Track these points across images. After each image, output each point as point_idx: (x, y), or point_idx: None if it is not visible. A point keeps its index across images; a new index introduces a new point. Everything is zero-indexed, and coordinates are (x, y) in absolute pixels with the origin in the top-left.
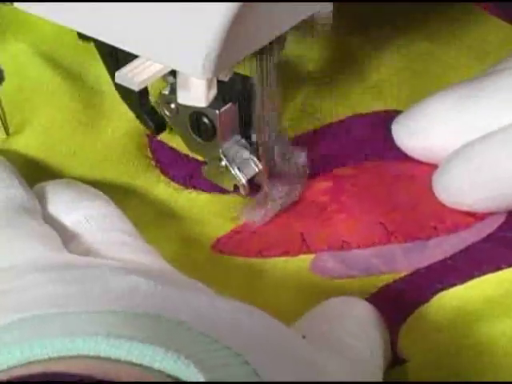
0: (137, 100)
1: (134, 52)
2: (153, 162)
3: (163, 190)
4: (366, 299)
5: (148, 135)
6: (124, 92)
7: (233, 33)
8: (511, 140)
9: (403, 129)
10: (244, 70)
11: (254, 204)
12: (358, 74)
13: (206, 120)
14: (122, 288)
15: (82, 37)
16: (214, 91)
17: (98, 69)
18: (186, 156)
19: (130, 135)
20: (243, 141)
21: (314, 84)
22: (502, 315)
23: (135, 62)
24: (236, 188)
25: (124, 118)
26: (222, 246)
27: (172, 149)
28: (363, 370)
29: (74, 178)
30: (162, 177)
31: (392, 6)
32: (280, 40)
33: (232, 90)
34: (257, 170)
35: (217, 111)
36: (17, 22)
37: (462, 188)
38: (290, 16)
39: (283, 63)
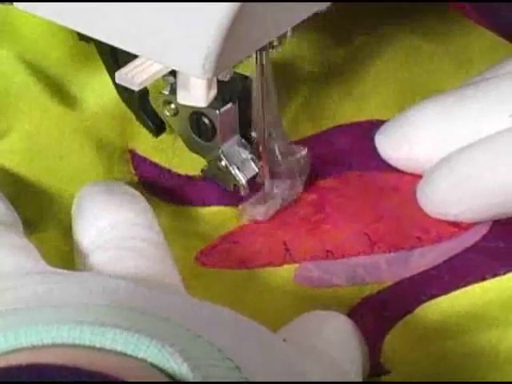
0: (137, 101)
1: (134, 52)
2: (136, 178)
3: None
4: (350, 309)
5: (130, 150)
6: (124, 93)
7: (233, 33)
8: (496, 149)
9: (387, 139)
10: (244, 70)
11: (256, 201)
12: (340, 84)
13: (205, 120)
14: (104, 287)
15: (82, 37)
16: (214, 91)
17: (83, 78)
18: (169, 171)
19: (113, 149)
20: (243, 141)
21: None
22: (486, 326)
23: (135, 62)
24: (236, 188)
25: (106, 133)
26: (204, 259)
27: (154, 164)
28: (343, 379)
29: (60, 184)
30: (145, 192)
31: (376, 15)
32: (280, 40)
33: (232, 90)
34: (257, 169)
35: (217, 111)
36: (2, 29)
37: (447, 198)
38: (290, 16)
39: (283, 63)
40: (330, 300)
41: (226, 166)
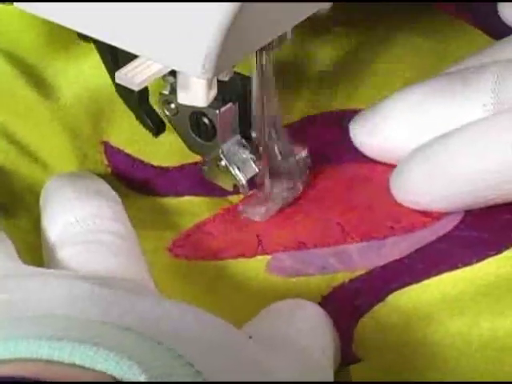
0: (136, 100)
1: (134, 52)
2: (109, 169)
3: (120, 196)
4: (323, 297)
5: (104, 142)
6: (123, 92)
7: (233, 33)
8: (468, 139)
9: (361, 128)
10: (244, 70)
11: (256, 201)
12: (312, 73)
13: (205, 120)
14: (63, 295)
15: (82, 37)
16: (214, 91)
17: (57, 67)
18: (142, 162)
19: (86, 140)
20: (243, 141)
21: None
22: (457, 314)
23: (135, 62)
24: (236, 188)
25: (79, 124)
26: (177, 249)
27: (127, 155)
28: (314, 368)
29: (33, 174)
30: (118, 183)
31: (373, 15)
32: (280, 40)
33: (232, 90)
34: (257, 169)
35: (217, 111)
36: None
37: (419, 188)
38: (290, 16)
39: (283, 63)
40: (302, 289)
41: (226, 166)
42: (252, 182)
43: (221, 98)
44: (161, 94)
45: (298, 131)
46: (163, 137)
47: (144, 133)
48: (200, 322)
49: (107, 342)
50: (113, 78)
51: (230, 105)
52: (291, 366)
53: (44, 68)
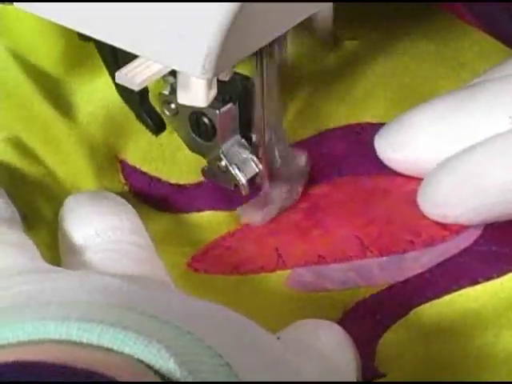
0: (137, 100)
1: (134, 52)
2: (126, 187)
3: (138, 214)
4: (344, 313)
5: (120, 160)
6: (124, 92)
7: (233, 33)
8: (495, 150)
9: (387, 142)
10: (244, 70)
11: (254, 205)
12: (329, 89)
13: (205, 120)
14: (95, 284)
15: (82, 37)
16: (214, 91)
17: (75, 84)
18: (159, 180)
19: (103, 159)
20: (243, 141)
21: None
22: (478, 330)
23: (135, 62)
24: (236, 188)
25: (96, 143)
26: (196, 264)
27: (144, 173)
28: (339, 375)
29: (49, 192)
30: (135, 201)
31: (365, 19)
32: (280, 40)
33: (232, 90)
34: (257, 170)
35: (217, 111)
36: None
37: (448, 200)
38: (290, 16)
39: (283, 63)
40: (323, 304)
41: (226, 166)
42: (252, 182)
43: (221, 98)
44: (161, 93)
45: (315, 145)
46: (180, 155)
47: (160, 151)
48: (228, 318)
49: (136, 326)
50: (113, 77)
51: (230, 105)
52: (317, 370)
53: (61, 84)
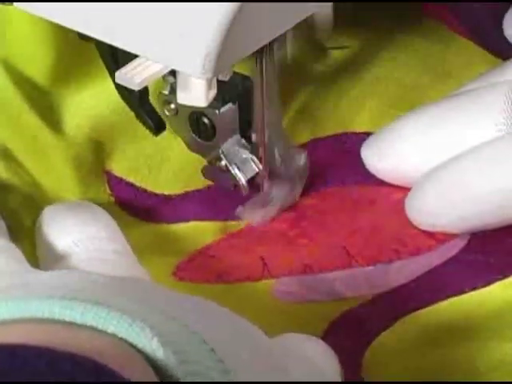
0: (137, 100)
1: (134, 52)
2: (112, 198)
3: (122, 224)
4: (330, 323)
5: (106, 171)
6: (124, 92)
7: (233, 33)
8: (482, 159)
9: (373, 152)
10: (244, 70)
11: (254, 205)
12: (317, 97)
13: (205, 120)
14: (81, 277)
15: (83, 37)
16: (213, 91)
17: (62, 96)
18: (145, 190)
19: (89, 170)
20: (243, 141)
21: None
22: (464, 340)
23: (135, 62)
24: (236, 188)
25: (82, 154)
26: (181, 273)
27: (130, 184)
28: (325, 379)
29: (33, 199)
30: (121, 212)
31: (352, 28)
32: (280, 40)
33: (232, 90)
34: (257, 170)
35: (217, 111)
36: None
37: (435, 209)
38: (289, 16)
39: (283, 63)
40: (309, 315)
41: (226, 166)
42: (252, 182)
43: (221, 98)
44: (161, 93)
45: None
46: (165, 165)
47: (146, 162)
48: (214, 309)
49: (120, 306)
50: (113, 77)
51: (229, 105)
52: (305, 371)
53: (48, 95)
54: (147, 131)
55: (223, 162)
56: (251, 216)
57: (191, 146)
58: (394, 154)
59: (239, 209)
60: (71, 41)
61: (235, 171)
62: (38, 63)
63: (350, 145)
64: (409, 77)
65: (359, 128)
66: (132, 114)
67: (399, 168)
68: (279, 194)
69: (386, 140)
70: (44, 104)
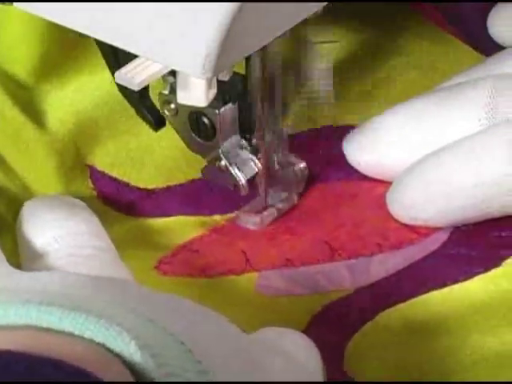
0: (137, 96)
1: (134, 52)
2: (94, 193)
3: (105, 219)
4: (312, 317)
5: (89, 165)
6: (124, 88)
7: (233, 33)
8: (462, 154)
9: (355, 146)
10: (244, 70)
11: (251, 210)
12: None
13: (205, 120)
14: (59, 279)
15: (83, 36)
16: (213, 91)
17: (44, 91)
18: (127, 185)
19: (71, 164)
20: (243, 141)
21: None
22: (445, 333)
23: (135, 62)
24: (236, 188)
25: (65, 148)
26: (164, 267)
27: (112, 178)
28: (306, 374)
29: (15, 195)
30: (104, 206)
31: (341, 24)
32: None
33: (232, 90)
34: (256, 170)
35: (217, 111)
36: None
37: (417, 203)
38: (289, 16)
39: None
40: (291, 308)
41: (226, 166)
42: (252, 183)
43: (221, 98)
44: (161, 93)
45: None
46: (148, 159)
47: (129, 156)
48: (190, 308)
49: (98, 310)
50: (113, 77)
51: (229, 105)
52: (285, 367)
53: (31, 90)
54: (129, 126)
55: (223, 162)
56: (247, 222)
57: (191, 146)
58: (375, 148)
59: (237, 213)
60: (54, 37)
61: (235, 171)
62: (19, 60)
63: (332, 139)
64: (394, 71)
65: (342, 122)
66: (115, 108)
67: (381, 162)
68: (276, 202)
69: (368, 134)
70: (27, 100)
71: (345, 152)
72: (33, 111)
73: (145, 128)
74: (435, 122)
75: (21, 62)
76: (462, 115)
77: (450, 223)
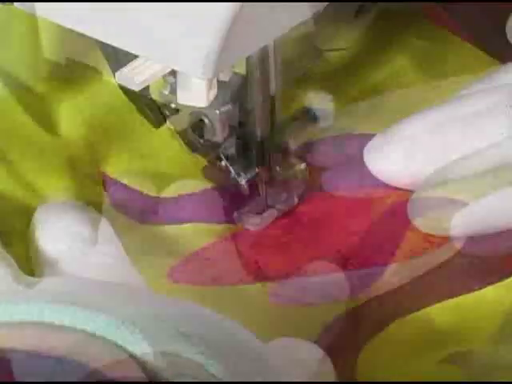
0: (138, 93)
1: (134, 52)
2: (107, 200)
3: (117, 226)
4: (324, 327)
5: (102, 173)
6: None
7: (233, 33)
8: (487, 162)
9: (377, 155)
10: (244, 70)
11: (251, 211)
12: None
13: (205, 120)
14: (73, 284)
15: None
16: (213, 91)
17: (57, 99)
18: (140, 193)
19: (85, 172)
20: (243, 141)
21: None
22: (461, 341)
23: (135, 62)
24: (235, 188)
25: (78, 156)
26: (176, 275)
27: (125, 185)
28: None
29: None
30: (116, 213)
31: (350, 30)
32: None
33: (232, 90)
34: (256, 170)
35: (217, 111)
36: None
37: (439, 213)
38: (290, 16)
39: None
40: (303, 318)
41: (226, 166)
42: (252, 183)
43: (221, 98)
44: (161, 93)
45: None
46: (160, 167)
47: (141, 164)
48: (203, 312)
49: (110, 310)
50: (114, 77)
51: (229, 105)
52: (298, 374)
53: (44, 99)
54: (142, 133)
55: (223, 162)
56: (247, 223)
57: (191, 146)
58: (398, 157)
59: (237, 214)
60: (67, 44)
61: (235, 171)
62: (33, 69)
63: (345, 147)
64: (406, 77)
65: (356, 130)
66: (127, 116)
67: (404, 171)
68: (276, 202)
69: (389, 143)
70: (40, 108)
71: (365, 160)
72: (46, 119)
73: (157, 135)
74: (456, 131)
75: (32, 69)
76: (481, 124)
77: (470, 234)
